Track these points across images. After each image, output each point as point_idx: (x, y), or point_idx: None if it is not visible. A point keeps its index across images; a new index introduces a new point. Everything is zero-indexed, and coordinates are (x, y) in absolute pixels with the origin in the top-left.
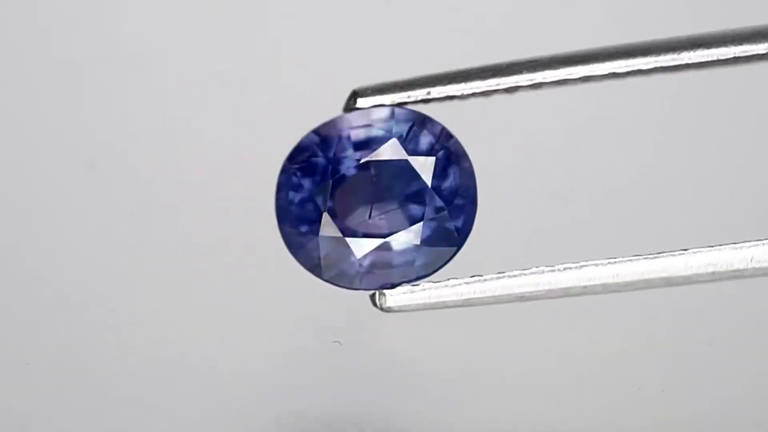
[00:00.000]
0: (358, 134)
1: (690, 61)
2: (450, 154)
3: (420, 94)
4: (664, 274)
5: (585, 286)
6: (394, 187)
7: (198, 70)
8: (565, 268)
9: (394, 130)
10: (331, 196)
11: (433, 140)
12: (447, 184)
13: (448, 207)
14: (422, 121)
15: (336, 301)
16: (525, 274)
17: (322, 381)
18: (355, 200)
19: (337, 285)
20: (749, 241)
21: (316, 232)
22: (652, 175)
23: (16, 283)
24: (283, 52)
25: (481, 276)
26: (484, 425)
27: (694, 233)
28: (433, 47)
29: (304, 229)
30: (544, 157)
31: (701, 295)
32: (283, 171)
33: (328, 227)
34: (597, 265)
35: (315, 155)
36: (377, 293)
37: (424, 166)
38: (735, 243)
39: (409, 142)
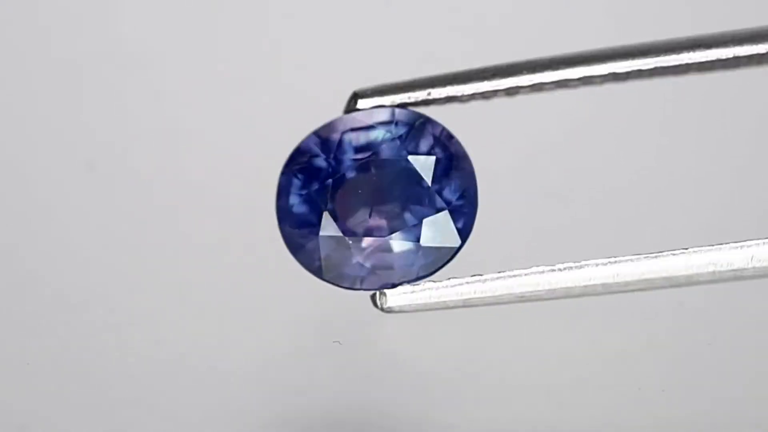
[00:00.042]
0: (358, 135)
1: (690, 62)
2: (450, 155)
3: (420, 95)
4: (665, 274)
5: (585, 286)
6: (394, 187)
7: (198, 70)
8: (565, 268)
9: (395, 131)
10: (332, 197)
11: (434, 141)
12: (447, 184)
13: (448, 207)
14: (423, 122)
15: (336, 301)
16: (525, 274)
17: (322, 381)
18: (355, 201)
19: (338, 285)
20: (749, 241)
21: (317, 233)
22: (652, 174)
23: (16, 283)
24: (283, 52)
25: (481, 276)
26: (484, 425)
27: (695, 233)
28: (433, 47)
29: (304, 229)
30: (544, 157)
31: (701, 295)
32: (284, 172)
33: (328, 228)
34: (597, 265)
35: (316, 156)
36: (377, 293)
37: (425, 167)
38: (735, 242)
39: (409, 143)
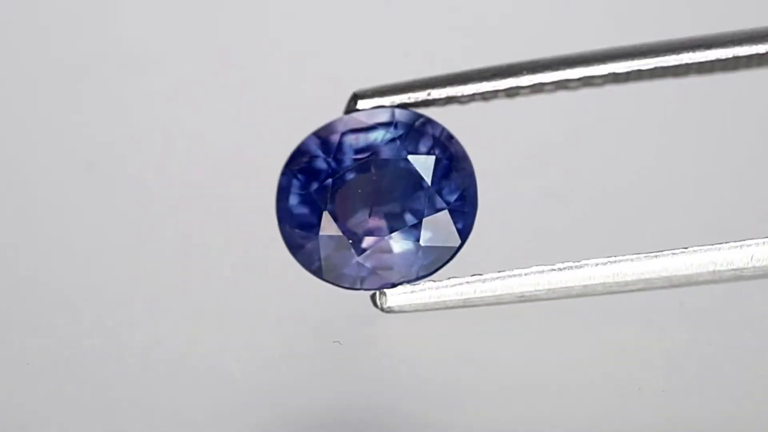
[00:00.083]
0: (358, 136)
1: (690, 62)
2: (450, 155)
3: (420, 95)
4: (665, 274)
5: (585, 286)
6: (394, 188)
7: (198, 71)
8: (565, 268)
9: (395, 131)
10: (332, 197)
11: (434, 141)
12: (447, 184)
13: (448, 208)
14: (423, 123)
15: (336, 301)
16: (525, 274)
17: (322, 381)
18: (355, 202)
19: (338, 286)
20: (749, 240)
21: (317, 234)
22: (652, 174)
23: (16, 283)
24: (283, 52)
25: (481, 276)
26: (484, 425)
27: (695, 233)
28: (433, 47)
29: (304, 230)
30: (544, 157)
31: (701, 295)
32: (284, 172)
33: (328, 228)
34: (597, 264)
35: (316, 157)
36: (377, 293)
37: (425, 167)
38: (735, 242)
39: (409, 143)
